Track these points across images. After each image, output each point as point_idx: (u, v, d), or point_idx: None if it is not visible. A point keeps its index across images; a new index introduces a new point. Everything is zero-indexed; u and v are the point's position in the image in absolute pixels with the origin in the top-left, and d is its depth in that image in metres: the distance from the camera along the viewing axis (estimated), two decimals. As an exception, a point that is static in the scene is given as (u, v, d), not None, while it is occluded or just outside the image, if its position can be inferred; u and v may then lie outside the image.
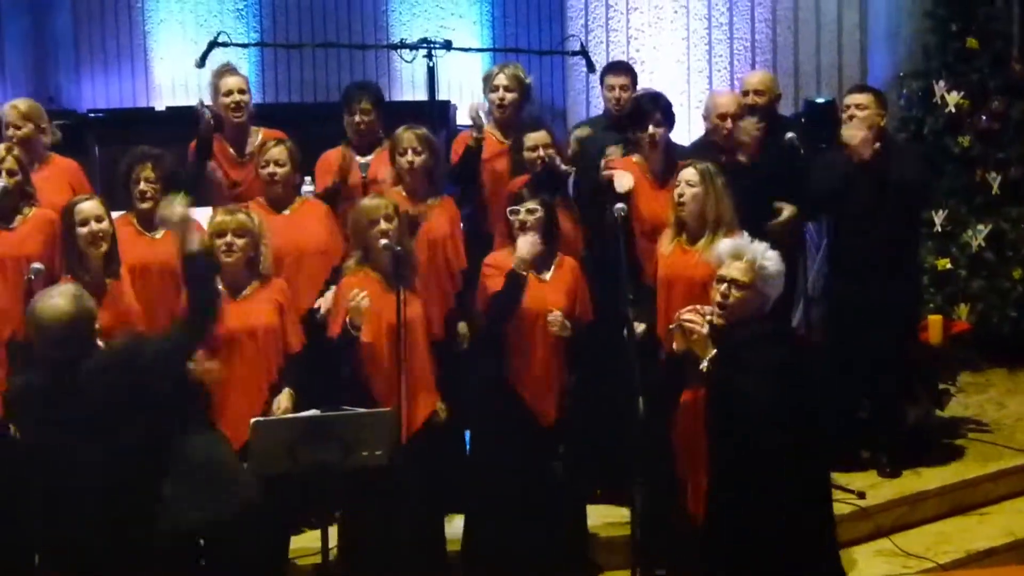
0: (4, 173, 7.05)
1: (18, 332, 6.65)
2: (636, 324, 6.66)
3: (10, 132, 7.50)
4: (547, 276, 6.93)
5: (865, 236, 7.80)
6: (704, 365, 5.83)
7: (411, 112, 8.30)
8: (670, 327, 6.07)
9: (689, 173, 6.87)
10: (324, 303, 7.05)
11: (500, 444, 6.91)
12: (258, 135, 7.92)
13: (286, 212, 7.33)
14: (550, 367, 6.87)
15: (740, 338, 5.82)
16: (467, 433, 7.32)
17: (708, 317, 5.92)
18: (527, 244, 6.73)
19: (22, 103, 7.72)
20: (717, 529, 5.83)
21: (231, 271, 6.65)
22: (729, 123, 7.78)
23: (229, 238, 6.63)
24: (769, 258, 5.80)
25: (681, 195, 6.85)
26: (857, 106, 7.87)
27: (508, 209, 6.90)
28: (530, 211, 6.85)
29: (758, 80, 8.53)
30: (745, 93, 8.41)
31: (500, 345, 6.87)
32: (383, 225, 6.68)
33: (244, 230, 6.64)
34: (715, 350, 5.78)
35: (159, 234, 7.11)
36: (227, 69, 8.01)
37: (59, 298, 5.41)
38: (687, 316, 5.90)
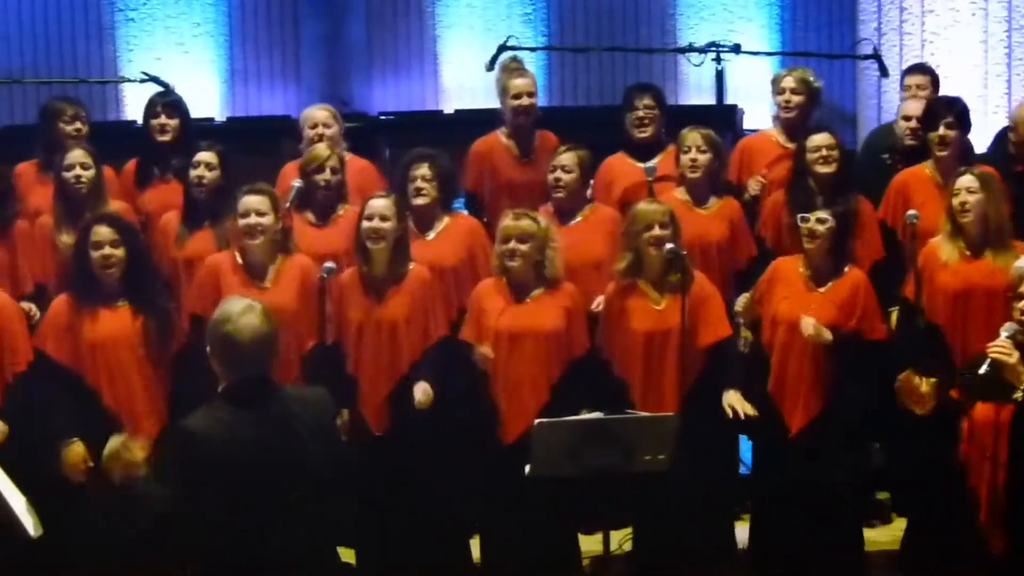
0: (328, 171, 7.23)
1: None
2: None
3: (319, 131, 7.68)
4: (822, 290, 6.77)
5: None
6: (1019, 394, 5.61)
7: (697, 116, 8.23)
8: (980, 370, 5.82)
9: (968, 180, 6.70)
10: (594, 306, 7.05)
11: (768, 452, 6.84)
12: (538, 137, 7.95)
13: (575, 221, 7.32)
14: (807, 378, 6.71)
15: None
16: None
17: (1009, 335, 5.69)
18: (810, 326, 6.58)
19: (328, 107, 7.93)
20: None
21: (516, 275, 6.69)
22: None
23: (512, 244, 6.66)
24: None
25: (964, 203, 6.64)
26: None
27: (798, 216, 6.78)
28: (820, 220, 6.71)
29: None
30: None
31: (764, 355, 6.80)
32: (656, 231, 6.65)
33: (527, 235, 6.66)
34: None
35: (432, 235, 7.21)
36: (516, 68, 8.04)
37: (253, 316, 4.74)
38: (996, 348, 5.65)
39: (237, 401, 4.65)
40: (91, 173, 7.21)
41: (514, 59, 8.28)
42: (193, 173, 7.18)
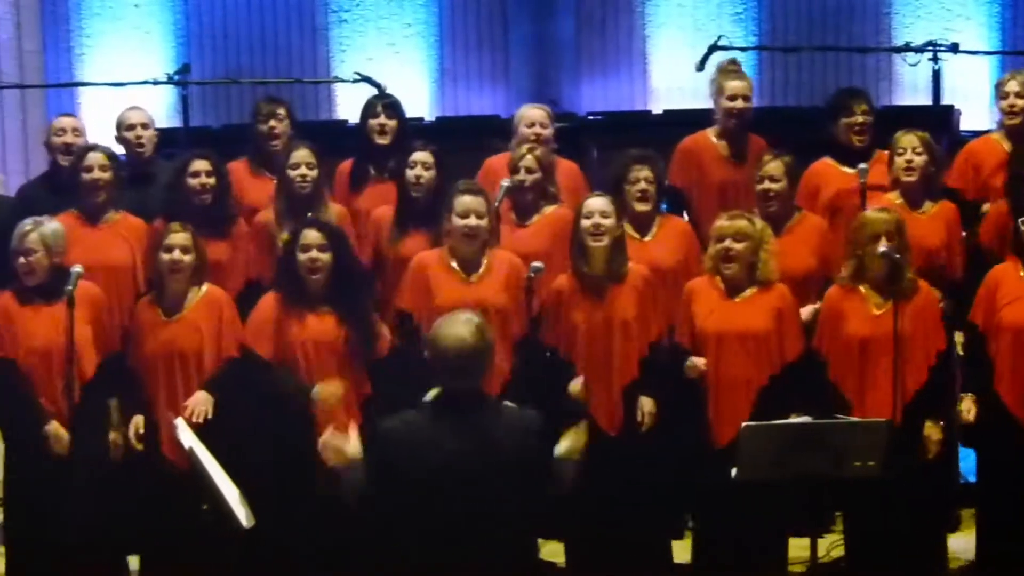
0: (522, 170, 7.27)
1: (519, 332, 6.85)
2: None
3: (536, 130, 7.71)
4: None
5: None
6: None
7: (912, 117, 8.08)
8: None
9: None
10: (804, 313, 6.94)
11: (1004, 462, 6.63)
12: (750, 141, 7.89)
13: (783, 232, 7.19)
14: None
15: None
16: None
17: None
18: None
19: (544, 107, 7.95)
20: None
21: (729, 275, 6.64)
22: None
23: (727, 243, 6.63)
24: None
25: None
26: None
27: (1020, 220, 6.62)
28: None
29: None
30: None
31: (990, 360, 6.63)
32: (884, 243, 6.55)
33: (743, 235, 6.64)
34: None
35: (649, 236, 7.19)
36: (733, 69, 7.97)
37: (462, 326, 4.86)
38: None
39: (440, 411, 4.78)
40: (315, 173, 7.33)
41: (732, 61, 8.19)
42: (410, 173, 7.26)
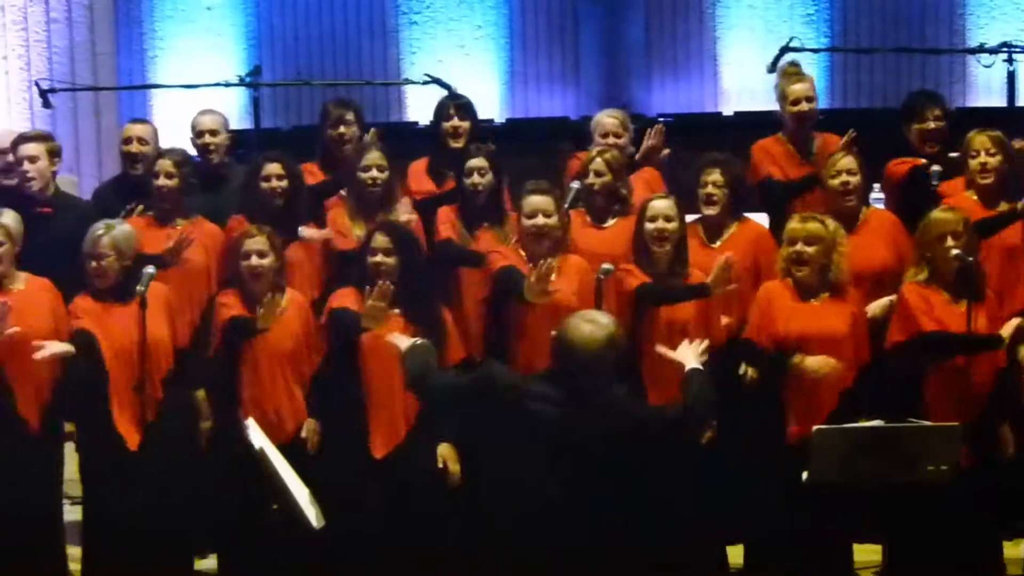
0: (592, 174, 7.26)
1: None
2: None
3: (609, 140, 7.70)
4: None
5: None
6: None
7: (987, 119, 7.99)
8: None
9: None
10: (873, 308, 6.89)
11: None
12: (818, 140, 7.83)
13: (856, 228, 7.14)
14: None
15: None
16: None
17: None
18: None
19: (620, 113, 7.95)
20: None
21: (802, 278, 6.61)
22: None
23: (799, 246, 6.59)
24: None
25: None
26: None
27: None
28: None
29: None
30: None
31: None
32: (950, 242, 6.48)
33: (815, 238, 6.58)
34: None
35: (718, 243, 7.15)
36: (794, 72, 7.94)
37: (593, 325, 5.26)
38: None
39: (543, 382, 5.22)
40: (386, 175, 7.36)
41: (792, 63, 8.18)
42: (468, 181, 7.27)
